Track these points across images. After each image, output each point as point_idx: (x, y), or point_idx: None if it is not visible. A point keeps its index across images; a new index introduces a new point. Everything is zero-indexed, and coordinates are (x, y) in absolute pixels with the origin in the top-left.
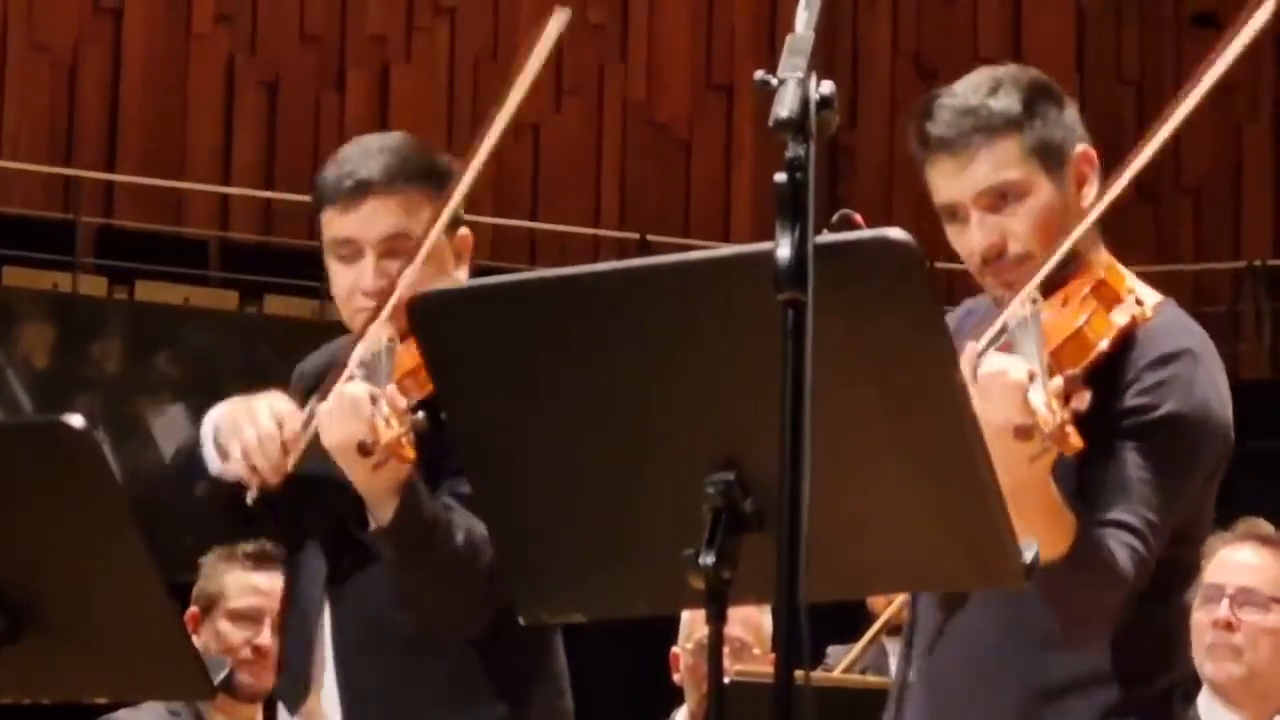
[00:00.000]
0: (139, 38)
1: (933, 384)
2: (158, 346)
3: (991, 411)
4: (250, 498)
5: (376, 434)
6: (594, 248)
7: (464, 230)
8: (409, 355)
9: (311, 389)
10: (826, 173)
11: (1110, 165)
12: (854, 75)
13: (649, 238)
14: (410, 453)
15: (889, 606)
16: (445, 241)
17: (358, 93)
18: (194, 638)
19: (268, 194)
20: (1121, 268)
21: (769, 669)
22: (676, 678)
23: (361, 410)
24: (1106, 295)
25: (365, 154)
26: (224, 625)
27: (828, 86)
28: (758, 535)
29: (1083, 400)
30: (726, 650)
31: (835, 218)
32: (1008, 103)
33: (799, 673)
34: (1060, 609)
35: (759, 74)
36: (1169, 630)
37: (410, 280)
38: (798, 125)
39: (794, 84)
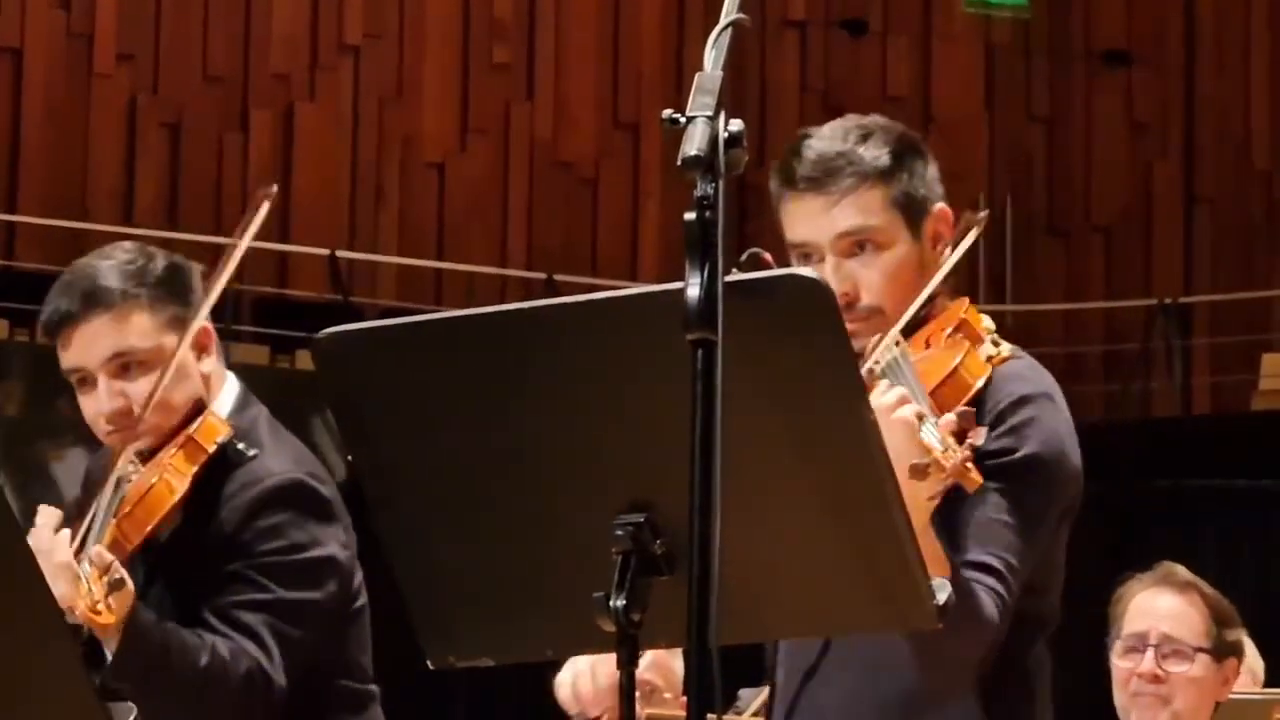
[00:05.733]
0: (40, 77)
1: (844, 423)
2: (59, 389)
3: None
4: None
5: (76, 601)
6: (501, 288)
7: (201, 325)
8: (140, 485)
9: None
10: (735, 211)
11: (1020, 204)
12: (762, 113)
13: (556, 277)
14: (106, 618)
15: None
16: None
17: (261, 132)
18: None
19: (171, 234)
20: (987, 319)
21: (680, 713)
22: None
23: (67, 576)
24: (971, 334)
25: (67, 285)
26: None
27: (736, 124)
28: (668, 578)
29: (979, 435)
30: (638, 694)
31: (744, 256)
32: (877, 153)
33: (710, 716)
34: (929, 665)
35: (667, 112)
36: (1025, 684)
37: (147, 393)
38: (706, 163)
39: (703, 122)
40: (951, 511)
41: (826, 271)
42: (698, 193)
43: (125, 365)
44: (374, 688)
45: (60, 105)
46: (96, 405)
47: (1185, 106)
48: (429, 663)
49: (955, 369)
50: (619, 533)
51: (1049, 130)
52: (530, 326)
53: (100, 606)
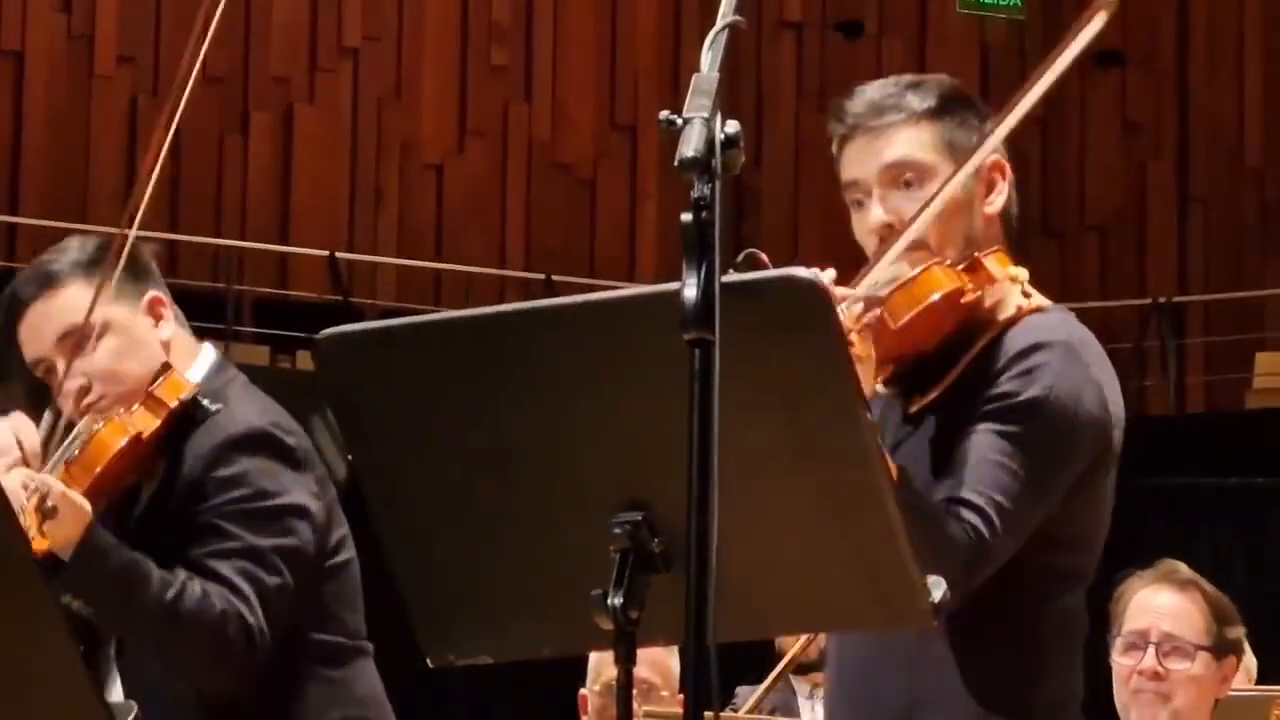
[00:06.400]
0: (41, 80)
1: (840, 422)
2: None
3: None
4: None
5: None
6: (499, 288)
7: (151, 293)
8: (102, 438)
9: None
10: (732, 212)
11: (1018, 199)
12: (758, 115)
13: (554, 278)
14: (39, 544)
15: (796, 645)
16: (129, 314)
17: (261, 134)
18: None
19: (171, 236)
20: (1020, 270)
21: (677, 710)
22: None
23: (15, 500)
24: (977, 271)
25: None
26: None
27: (733, 126)
28: (666, 576)
29: (873, 315)
30: (635, 692)
31: (741, 257)
32: (925, 97)
33: (708, 713)
34: None
35: (664, 114)
36: (1034, 647)
37: (99, 366)
38: (703, 165)
39: (699, 123)
40: (949, 450)
41: (872, 205)
42: (695, 194)
43: (76, 343)
44: (364, 644)
45: (61, 107)
46: (63, 391)
47: (1178, 107)
48: (428, 662)
49: (908, 281)
50: (617, 531)
51: (1043, 131)
52: (529, 327)
53: (33, 533)
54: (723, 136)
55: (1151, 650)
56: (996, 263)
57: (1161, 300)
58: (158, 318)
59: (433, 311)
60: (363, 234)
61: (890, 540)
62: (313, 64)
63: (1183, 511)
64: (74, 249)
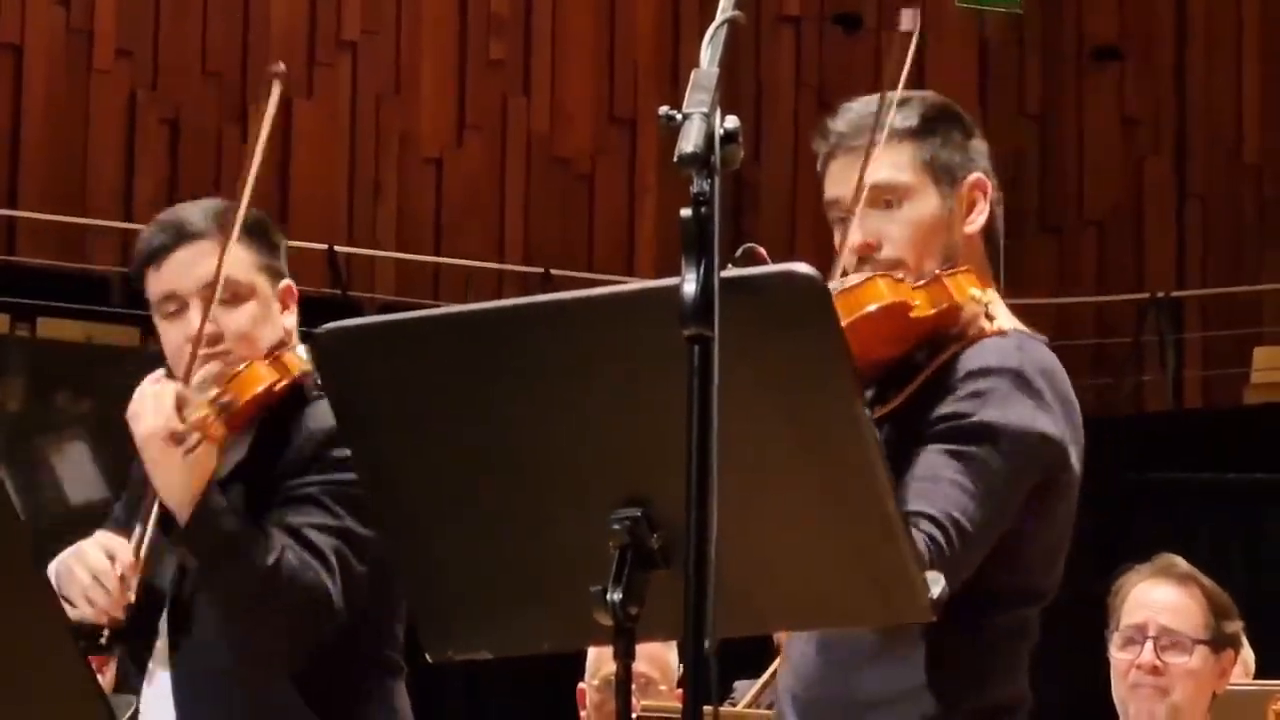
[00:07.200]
0: (39, 74)
1: (839, 418)
2: (60, 384)
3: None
4: (104, 639)
5: (181, 419)
6: (498, 283)
7: (286, 282)
8: (248, 375)
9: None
10: (731, 207)
11: (1014, 197)
12: (757, 110)
13: (553, 272)
14: (220, 429)
15: None
16: (270, 292)
17: (260, 127)
18: (99, 676)
19: None
20: (987, 291)
21: (676, 705)
22: (583, 714)
23: (165, 401)
24: (935, 288)
25: (165, 221)
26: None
27: (732, 121)
28: (665, 572)
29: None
30: (633, 686)
31: (740, 252)
32: (907, 115)
33: (706, 708)
34: None
35: (664, 109)
36: (979, 652)
37: (237, 325)
38: (703, 160)
39: (699, 119)
40: (900, 463)
41: (852, 225)
42: (694, 189)
43: (213, 295)
44: (403, 663)
45: (60, 101)
46: (185, 329)
47: (1177, 103)
48: (427, 657)
49: (846, 290)
50: (616, 527)
51: (1041, 126)
52: (528, 322)
53: (212, 420)
54: (722, 132)
55: (1149, 644)
56: (962, 282)
57: (1159, 295)
58: (286, 307)
59: (432, 306)
60: (361, 228)
61: (890, 536)
62: (311, 58)
63: (1180, 507)
64: (231, 208)
